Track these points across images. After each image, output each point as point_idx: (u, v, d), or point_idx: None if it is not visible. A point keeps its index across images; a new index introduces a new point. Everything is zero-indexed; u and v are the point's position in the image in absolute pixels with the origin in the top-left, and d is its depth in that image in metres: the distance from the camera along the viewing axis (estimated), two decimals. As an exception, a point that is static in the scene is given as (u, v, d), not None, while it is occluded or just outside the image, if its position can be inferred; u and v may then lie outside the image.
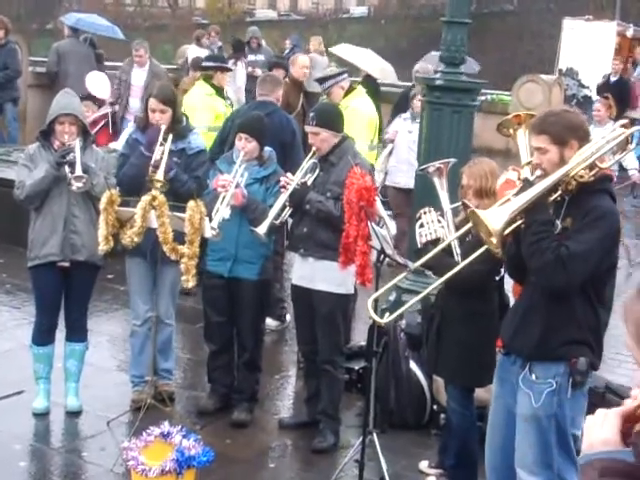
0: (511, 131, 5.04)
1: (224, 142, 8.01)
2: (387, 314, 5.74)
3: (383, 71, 14.29)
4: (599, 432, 2.36)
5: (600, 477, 2.26)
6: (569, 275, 4.44)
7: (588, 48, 20.87)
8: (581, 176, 4.54)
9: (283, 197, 6.46)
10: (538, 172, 4.55)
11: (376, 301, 5.80)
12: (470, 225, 5.23)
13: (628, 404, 2.39)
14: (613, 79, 19.50)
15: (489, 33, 36.41)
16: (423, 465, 6.39)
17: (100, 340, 8.15)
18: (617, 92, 18.56)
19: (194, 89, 10.27)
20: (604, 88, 19.15)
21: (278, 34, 29.23)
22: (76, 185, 6.41)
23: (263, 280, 6.87)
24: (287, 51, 18.50)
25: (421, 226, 5.89)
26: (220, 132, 8.49)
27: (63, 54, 14.94)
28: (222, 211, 6.46)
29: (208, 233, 6.36)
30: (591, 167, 4.55)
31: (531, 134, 4.68)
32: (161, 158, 6.57)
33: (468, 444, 5.97)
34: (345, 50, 15.61)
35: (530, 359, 4.68)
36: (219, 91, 10.03)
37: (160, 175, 6.49)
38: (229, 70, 10.20)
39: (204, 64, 10.49)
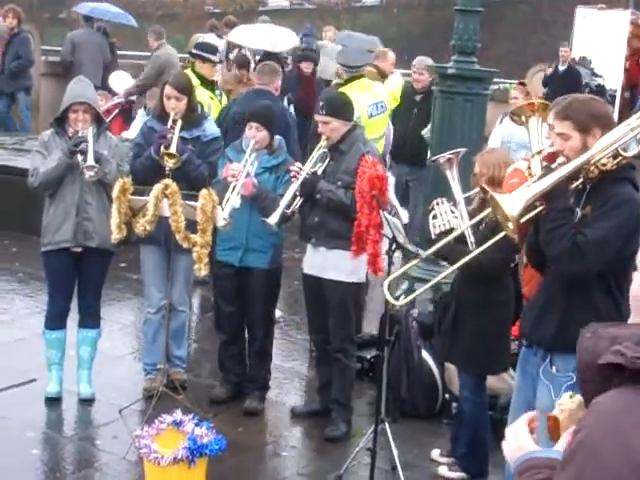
0: (523, 119, 5.01)
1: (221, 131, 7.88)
2: (402, 297, 5.73)
3: (274, 44, 13.98)
4: (514, 443, 2.48)
5: (519, 476, 2.36)
6: (586, 262, 4.41)
7: (601, 37, 20.76)
8: (604, 164, 4.49)
9: (294, 187, 6.45)
10: (560, 159, 4.52)
11: (389, 287, 5.81)
12: (484, 213, 5.22)
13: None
14: (562, 68, 18.44)
15: (502, 22, 36.25)
16: (435, 454, 6.39)
17: (112, 328, 8.17)
18: (566, 82, 17.22)
19: None
20: (552, 78, 18.08)
21: (290, 23, 29.16)
22: (88, 174, 6.43)
23: (274, 269, 6.88)
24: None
25: (434, 217, 5.88)
26: (216, 121, 8.33)
27: (78, 44, 14.95)
28: (232, 200, 6.46)
29: (220, 222, 6.36)
30: (615, 156, 4.50)
31: (555, 119, 4.63)
32: (171, 138, 6.63)
33: (480, 432, 5.98)
34: (238, 35, 15.58)
35: (550, 350, 4.64)
36: (205, 82, 9.45)
37: (173, 149, 6.54)
38: (210, 61, 9.64)
39: (192, 51, 9.96)
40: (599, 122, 4.53)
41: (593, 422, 2.10)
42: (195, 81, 9.22)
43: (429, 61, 10.90)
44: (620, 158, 4.51)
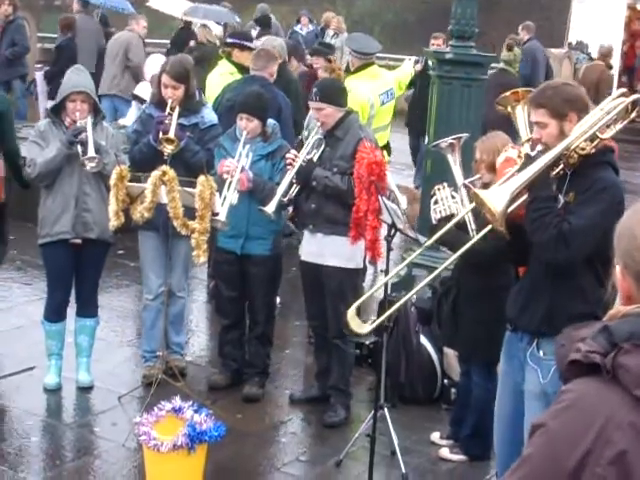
0: (509, 108, 5.01)
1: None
2: (369, 322, 5.72)
3: (185, 13, 15.79)
4: None
5: None
6: (571, 250, 4.42)
7: (598, 21, 20.74)
8: (582, 148, 4.50)
9: (290, 174, 6.44)
10: (539, 147, 4.51)
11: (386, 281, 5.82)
12: (471, 206, 5.21)
13: None
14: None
15: (498, 6, 36.19)
16: (435, 437, 6.41)
17: (111, 316, 8.17)
18: None
19: (216, 68, 9.64)
20: (422, 76, 13.08)
21: (287, 9, 29.10)
22: (89, 165, 6.41)
23: (275, 255, 6.88)
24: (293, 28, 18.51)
25: (435, 202, 5.87)
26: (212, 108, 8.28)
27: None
28: (229, 197, 6.45)
29: (219, 209, 6.34)
30: (592, 139, 4.51)
31: (530, 108, 4.64)
32: (169, 123, 6.63)
33: (486, 417, 5.97)
34: (159, 3, 16.64)
35: (537, 335, 4.66)
36: (240, 70, 9.25)
37: (171, 134, 6.55)
38: (249, 48, 9.68)
39: (227, 40, 10.07)
40: (574, 106, 4.53)
41: (554, 406, 2.29)
42: (232, 68, 9.20)
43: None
44: (598, 141, 4.51)
